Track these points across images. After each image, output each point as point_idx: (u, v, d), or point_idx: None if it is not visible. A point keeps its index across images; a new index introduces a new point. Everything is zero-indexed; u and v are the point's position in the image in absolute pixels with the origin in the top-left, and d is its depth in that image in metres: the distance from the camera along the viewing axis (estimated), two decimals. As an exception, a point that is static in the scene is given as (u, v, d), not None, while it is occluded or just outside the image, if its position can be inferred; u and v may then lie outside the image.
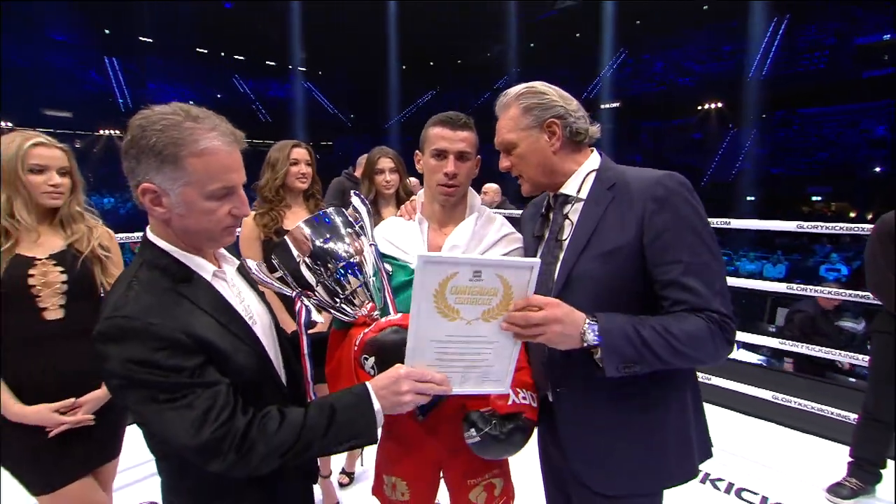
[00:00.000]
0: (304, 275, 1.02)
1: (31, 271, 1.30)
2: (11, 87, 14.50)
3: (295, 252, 1.04)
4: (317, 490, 2.13)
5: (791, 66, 16.10)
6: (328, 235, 1.04)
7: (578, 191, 1.04)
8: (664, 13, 18.16)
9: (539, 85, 1.07)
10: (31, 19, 15.66)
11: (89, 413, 1.36)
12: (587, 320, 0.89)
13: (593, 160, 1.07)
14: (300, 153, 1.93)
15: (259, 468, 0.77)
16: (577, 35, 22.30)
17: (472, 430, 0.96)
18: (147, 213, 0.82)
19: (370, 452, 2.38)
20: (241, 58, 23.24)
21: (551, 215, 1.10)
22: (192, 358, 0.75)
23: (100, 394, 1.39)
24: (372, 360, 0.94)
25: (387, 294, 1.07)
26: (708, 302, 0.90)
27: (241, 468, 0.76)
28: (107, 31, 19.72)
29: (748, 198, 14.65)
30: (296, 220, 1.91)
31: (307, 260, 1.02)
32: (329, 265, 1.01)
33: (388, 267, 1.14)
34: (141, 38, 19.99)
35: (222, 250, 0.94)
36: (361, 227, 1.11)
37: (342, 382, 1.07)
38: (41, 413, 1.29)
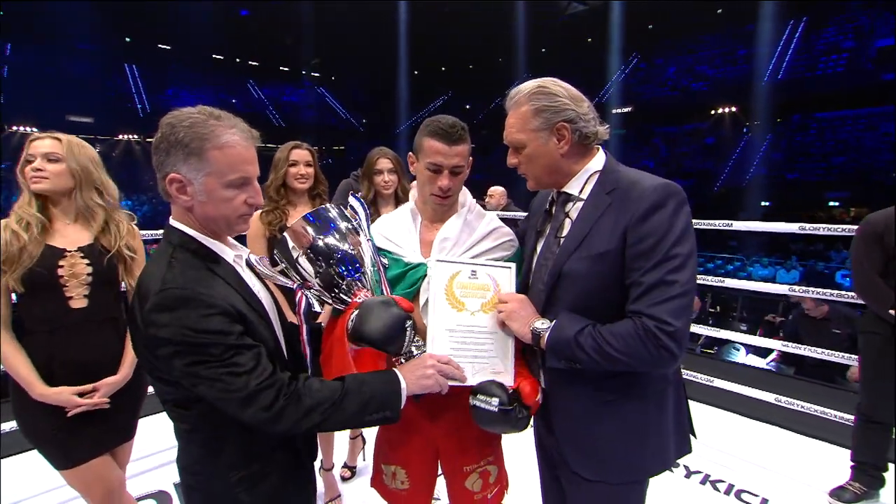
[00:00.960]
0: (304, 267, 1.07)
1: (60, 262, 1.39)
2: (37, 94, 15.01)
3: (292, 245, 1.08)
4: (319, 483, 2.19)
5: (808, 70, 15.85)
6: (327, 230, 1.09)
7: (581, 191, 1.07)
8: (677, 17, 18.05)
9: (551, 85, 1.07)
10: (57, 30, 16.22)
11: (105, 397, 1.44)
12: (539, 320, 1.04)
13: (598, 160, 1.09)
14: (299, 154, 1.97)
15: (300, 423, 0.85)
16: (589, 40, 22.28)
17: (494, 399, 1.01)
18: (171, 205, 0.92)
19: (372, 447, 2.44)
20: (256, 64, 23.69)
21: (554, 211, 1.14)
22: (236, 325, 0.85)
23: (116, 379, 1.47)
24: (356, 312, 0.98)
25: (384, 286, 1.13)
26: (650, 307, 0.93)
27: (285, 420, 0.84)
28: (127, 39, 20.30)
29: (763, 203, 14.44)
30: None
31: (308, 253, 1.07)
32: (327, 258, 1.06)
33: (385, 260, 1.19)
34: (160, 46, 20.57)
35: (233, 241, 1.02)
36: (359, 224, 1.17)
37: (333, 365, 1.12)
38: (62, 394, 1.38)
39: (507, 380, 1.04)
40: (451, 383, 1.02)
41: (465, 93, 26.34)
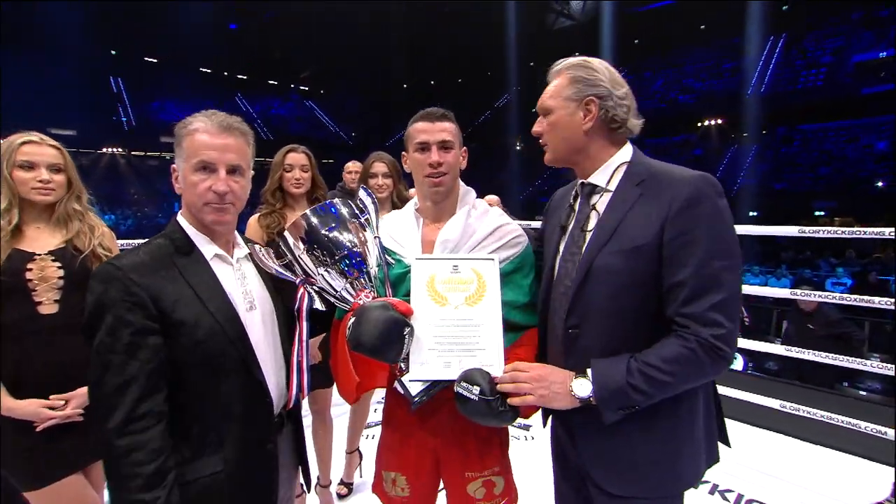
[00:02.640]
0: (307, 262, 1.05)
1: (29, 265, 1.32)
2: (18, 106, 14.80)
3: (292, 241, 1.06)
4: (315, 501, 2.10)
5: (790, 83, 16.36)
6: (333, 224, 1.07)
7: (608, 182, 1.03)
8: (662, 32, 18.59)
9: (595, 62, 1.06)
10: (40, 40, 16.10)
11: (78, 408, 1.36)
12: (574, 377, 0.95)
13: (625, 152, 1.06)
14: (294, 158, 1.97)
15: (118, 462, 0.84)
16: (577, 53, 22.63)
17: (475, 387, 0.97)
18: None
19: (369, 463, 2.35)
20: (244, 77, 23.76)
21: (577, 205, 1.10)
22: (144, 320, 0.88)
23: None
24: (353, 320, 0.97)
25: (387, 287, 1.11)
26: (698, 310, 0.88)
27: (114, 448, 0.84)
28: (113, 52, 20.23)
29: (751, 213, 14.68)
30: None
31: (311, 247, 1.05)
32: (332, 253, 1.04)
33: (392, 260, 1.17)
34: (146, 59, 20.53)
35: (239, 237, 1.07)
36: (367, 220, 1.14)
37: (339, 372, 1.11)
38: (30, 407, 1.30)
39: (496, 371, 1.00)
40: (439, 377, 1.00)
41: (455, 106, 26.40)
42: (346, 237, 1.07)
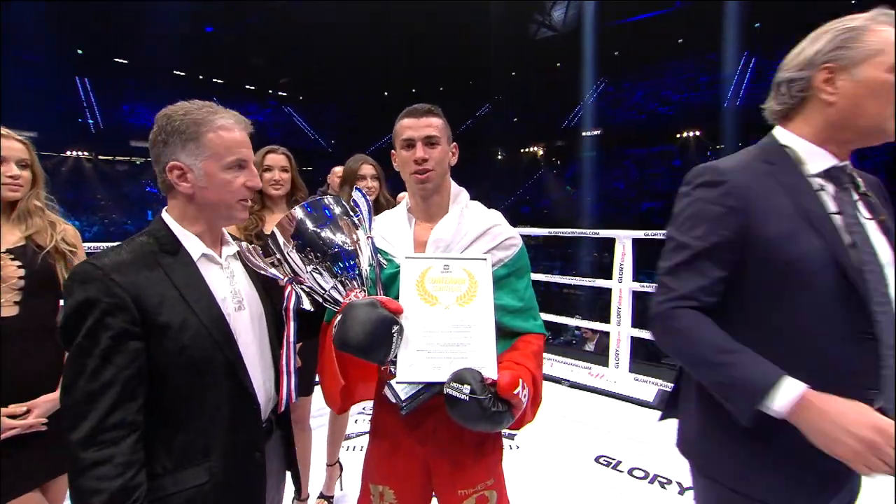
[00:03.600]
0: (295, 260, 1.03)
1: None
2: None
3: (281, 238, 1.05)
4: (291, 517, 1.99)
5: (764, 97, 17.00)
6: (324, 222, 1.06)
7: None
8: (641, 45, 19.14)
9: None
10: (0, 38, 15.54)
11: (42, 417, 1.27)
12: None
13: None
14: (273, 159, 1.94)
15: (84, 477, 0.80)
16: (558, 64, 23.25)
17: (466, 386, 0.93)
18: (167, 198, 0.97)
19: (349, 475, 2.25)
20: (220, 81, 23.39)
21: (832, 191, 0.91)
22: (124, 323, 0.84)
23: (54, 396, 1.30)
24: (339, 318, 0.95)
25: (379, 288, 1.09)
26: None
27: (80, 457, 0.80)
28: (80, 52, 19.66)
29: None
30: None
31: (301, 245, 1.03)
32: (322, 252, 1.02)
33: (384, 261, 1.15)
34: (115, 59, 20.00)
35: (227, 235, 1.05)
36: (360, 219, 1.13)
37: (325, 375, 1.09)
38: None
39: (490, 372, 0.97)
40: (428, 379, 0.97)
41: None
42: (337, 236, 1.05)
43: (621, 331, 3.55)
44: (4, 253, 1.27)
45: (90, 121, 19.67)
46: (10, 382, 1.24)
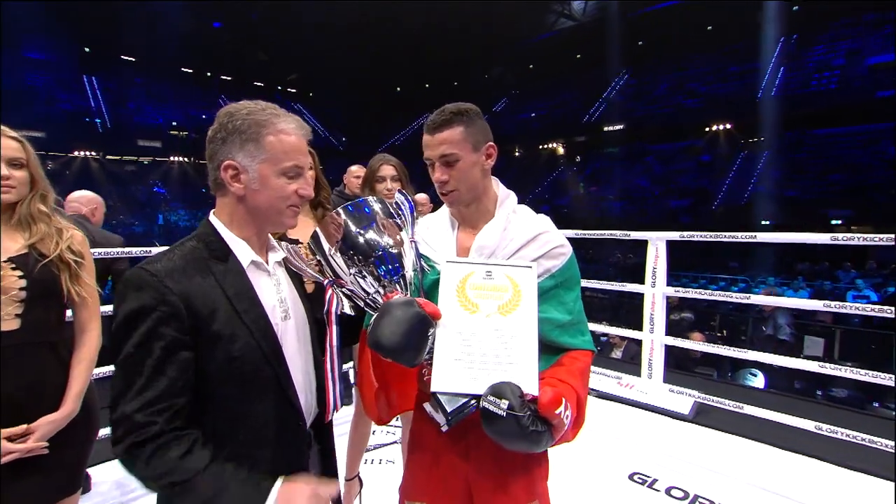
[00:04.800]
0: (338, 263, 1.04)
1: None
2: (-18, 106, 14.59)
3: (324, 241, 1.05)
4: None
5: (801, 86, 16.58)
6: (367, 223, 1.06)
7: None
8: (667, 34, 18.84)
9: None
10: (4, 36, 15.94)
11: (43, 440, 1.24)
12: None
13: None
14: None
15: (142, 477, 0.81)
16: (578, 56, 23.07)
17: (503, 401, 0.92)
18: (216, 199, 0.98)
19: (370, 491, 2.22)
20: (228, 78, 23.76)
21: None
22: (176, 333, 0.84)
23: (56, 417, 1.27)
24: (374, 316, 0.97)
25: (421, 294, 1.10)
26: None
27: (135, 467, 0.81)
28: (86, 50, 20.11)
29: (763, 221, 14.77)
30: (301, 228, 1.91)
31: (344, 248, 1.04)
32: (366, 255, 1.03)
33: (425, 266, 1.16)
34: (123, 57, 20.44)
35: (272, 240, 1.05)
36: (403, 221, 1.14)
37: (365, 389, 1.11)
38: None
39: (530, 388, 0.96)
40: (464, 390, 0.97)
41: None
42: (381, 238, 1.05)
43: (655, 338, 3.47)
44: (5, 262, 1.23)
45: (97, 120, 20.15)
46: (10, 401, 1.21)
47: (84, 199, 2.98)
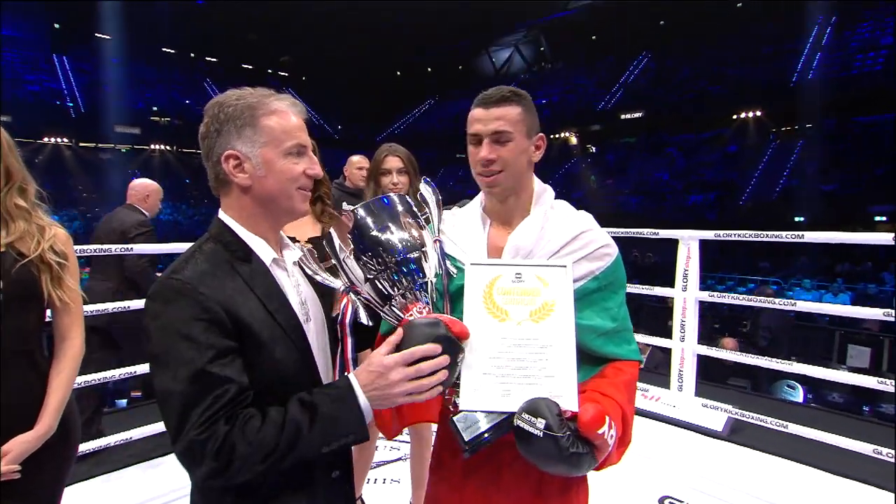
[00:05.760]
0: (352, 269, 1.04)
1: None
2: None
3: (339, 244, 1.05)
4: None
5: (843, 69, 16.37)
6: (386, 223, 1.05)
7: None
8: (691, 12, 18.69)
9: None
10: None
11: (16, 462, 1.22)
12: None
13: None
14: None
15: (240, 473, 0.82)
16: (594, 37, 22.99)
17: (540, 420, 0.90)
18: (220, 197, 0.98)
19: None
20: (214, 60, 23.75)
21: None
22: (225, 340, 0.85)
23: (31, 437, 1.25)
24: (397, 336, 0.95)
25: (446, 301, 1.10)
26: None
27: (220, 476, 0.81)
28: (56, 26, 20.01)
29: (796, 218, 14.70)
30: (299, 225, 1.91)
31: (365, 250, 1.03)
32: (384, 259, 1.02)
33: (453, 269, 1.14)
34: (97, 35, 20.35)
35: (285, 238, 1.06)
36: (427, 219, 1.13)
37: None
38: None
39: (568, 404, 0.95)
40: (495, 408, 0.95)
41: (452, 96, 26.74)
42: (401, 241, 1.03)
43: (685, 347, 3.42)
44: None
45: (69, 103, 20.12)
46: None
47: (139, 186, 3.36)
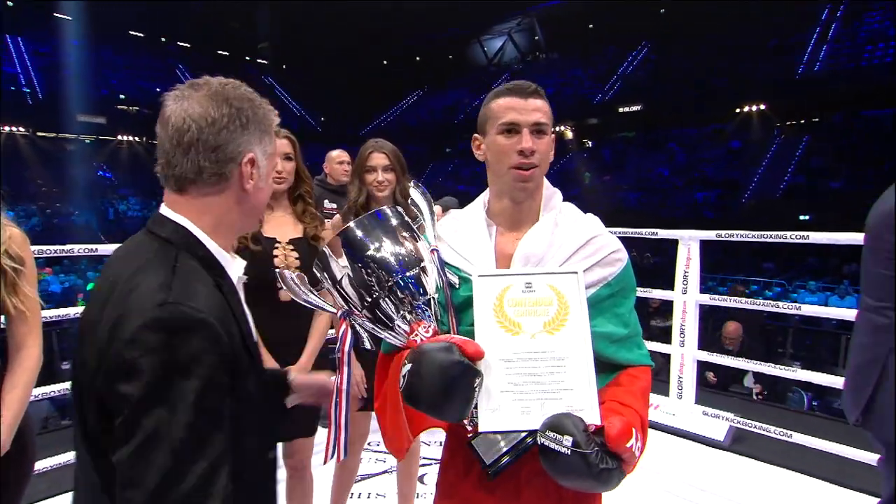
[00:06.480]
0: (348, 293, 1.04)
1: None
2: None
3: (333, 263, 1.05)
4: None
5: (851, 60, 16.58)
6: (382, 241, 1.06)
7: None
8: (692, 1, 18.83)
9: None
10: None
11: None
12: None
13: None
14: (276, 144, 1.87)
15: None
16: (591, 26, 23.13)
17: (566, 437, 0.91)
18: (168, 195, 0.92)
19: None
20: (187, 45, 23.47)
21: None
22: (225, 377, 0.80)
23: None
24: (408, 367, 0.95)
25: (451, 317, 1.11)
26: None
27: None
28: (9, 3, 19.55)
29: (801, 217, 14.89)
30: (278, 225, 1.91)
31: (361, 270, 1.04)
32: (382, 279, 1.03)
33: (455, 279, 1.15)
34: (56, 14, 19.96)
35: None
36: (422, 229, 1.14)
37: (388, 421, 1.12)
38: None
39: (591, 417, 0.97)
40: (516, 427, 0.97)
41: (442, 87, 26.73)
42: (398, 257, 1.05)
43: (685, 353, 3.46)
44: None
45: (25, 89, 19.72)
46: None
47: None
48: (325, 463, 1.11)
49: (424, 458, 2.67)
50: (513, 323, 1.03)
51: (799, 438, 2.90)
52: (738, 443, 3.20)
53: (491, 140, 1.17)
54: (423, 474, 2.78)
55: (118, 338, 0.76)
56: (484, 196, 1.26)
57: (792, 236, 3.15)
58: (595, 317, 1.07)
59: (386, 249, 1.05)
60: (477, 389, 0.95)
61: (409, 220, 1.13)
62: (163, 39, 23.07)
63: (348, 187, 2.30)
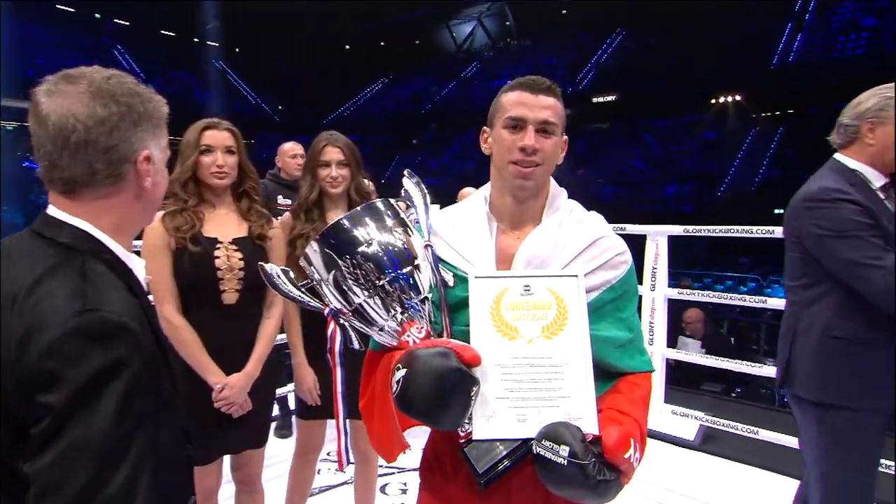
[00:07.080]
0: (336, 294, 1.05)
1: None
2: None
3: (320, 258, 1.06)
4: None
5: (824, 52, 17.21)
6: (373, 235, 1.06)
7: None
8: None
9: None
10: None
11: None
12: None
13: None
14: (214, 137, 1.91)
15: None
16: (564, 12, 23.37)
17: (563, 447, 0.93)
18: (54, 196, 0.90)
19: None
20: (126, 23, 22.63)
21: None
22: (148, 379, 0.82)
23: None
24: (402, 372, 0.95)
25: (444, 318, 1.12)
26: None
27: None
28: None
29: (776, 210, 15.41)
30: (221, 224, 1.89)
31: (351, 266, 1.05)
32: (374, 276, 1.03)
33: (450, 277, 1.15)
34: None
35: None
36: (416, 222, 1.16)
37: (375, 422, 1.13)
38: None
39: (589, 426, 0.99)
40: (511, 435, 0.99)
41: (408, 74, 26.61)
42: (390, 255, 1.05)
43: (654, 350, 3.56)
44: None
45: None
46: None
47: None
48: (342, 471, 1.19)
49: (388, 468, 2.69)
50: (510, 327, 1.05)
51: (765, 435, 3.01)
52: (709, 442, 3.32)
53: (496, 133, 1.19)
54: (385, 484, 2.80)
55: (32, 350, 0.76)
56: (485, 190, 1.26)
57: (758, 231, 3.26)
58: (597, 321, 1.09)
59: (378, 246, 1.05)
60: (474, 397, 0.96)
61: (404, 216, 1.13)
62: (97, 16, 22.14)
63: (300, 182, 2.30)
